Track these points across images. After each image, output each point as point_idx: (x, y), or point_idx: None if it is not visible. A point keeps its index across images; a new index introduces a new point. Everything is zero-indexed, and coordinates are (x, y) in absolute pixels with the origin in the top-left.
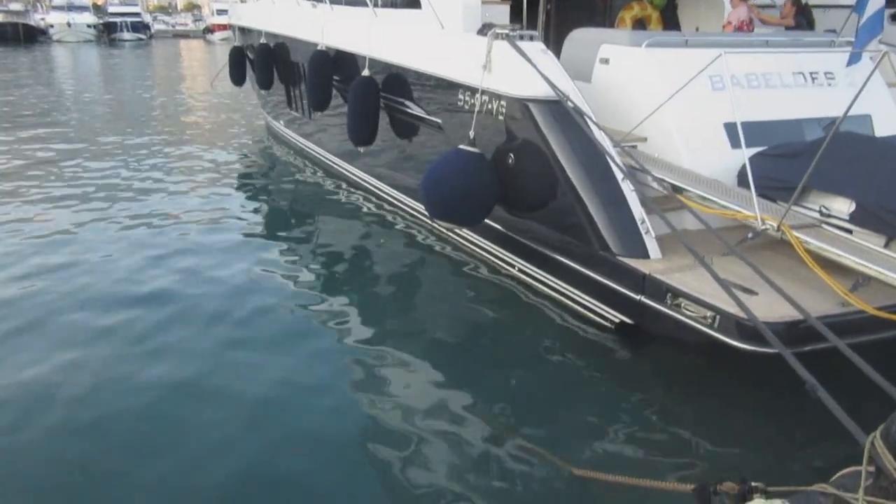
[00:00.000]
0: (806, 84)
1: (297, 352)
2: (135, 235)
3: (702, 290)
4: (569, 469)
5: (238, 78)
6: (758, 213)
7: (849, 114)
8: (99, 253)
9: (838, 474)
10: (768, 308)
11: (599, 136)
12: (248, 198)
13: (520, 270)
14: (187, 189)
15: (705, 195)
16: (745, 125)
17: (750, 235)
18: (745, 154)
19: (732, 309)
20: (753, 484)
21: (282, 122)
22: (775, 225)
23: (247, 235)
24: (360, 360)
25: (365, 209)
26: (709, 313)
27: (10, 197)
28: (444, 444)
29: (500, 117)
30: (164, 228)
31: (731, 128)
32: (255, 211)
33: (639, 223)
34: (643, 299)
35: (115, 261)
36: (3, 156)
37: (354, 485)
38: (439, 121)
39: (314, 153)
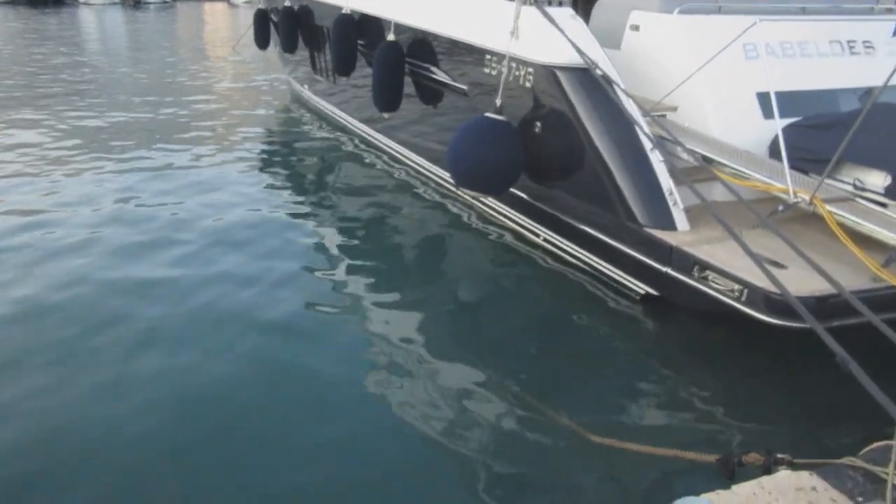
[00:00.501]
0: (843, 53)
1: (318, 318)
2: (154, 198)
3: (729, 262)
4: (588, 437)
5: (262, 41)
6: (790, 185)
7: (888, 85)
8: (116, 219)
9: (868, 448)
10: (798, 282)
11: (628, 104)
12: (271, 162)
13: (545, 240)
14: (209, 153)
15: (736, 166)
16: (779, 95)
17: (780, 208)
18: (777, 125)
19: (761, 282)
20: (779, 455)
21: (306, 86)
22: (807, 198)
23: (269, 199)
24: (380, 326)
25: (388, 175)
26: (736, 286)
27: (39, 160)
28: (464, 411)
29: (528, 84)
30: (183, 193)
31: (763, 98)
32: (278, 175)
33: (666, 194)
34: (669, 271)
35: (134, 227)
36: (31, 121)
37: (372, 449)
38: (465, 87)
39: (338, 118)
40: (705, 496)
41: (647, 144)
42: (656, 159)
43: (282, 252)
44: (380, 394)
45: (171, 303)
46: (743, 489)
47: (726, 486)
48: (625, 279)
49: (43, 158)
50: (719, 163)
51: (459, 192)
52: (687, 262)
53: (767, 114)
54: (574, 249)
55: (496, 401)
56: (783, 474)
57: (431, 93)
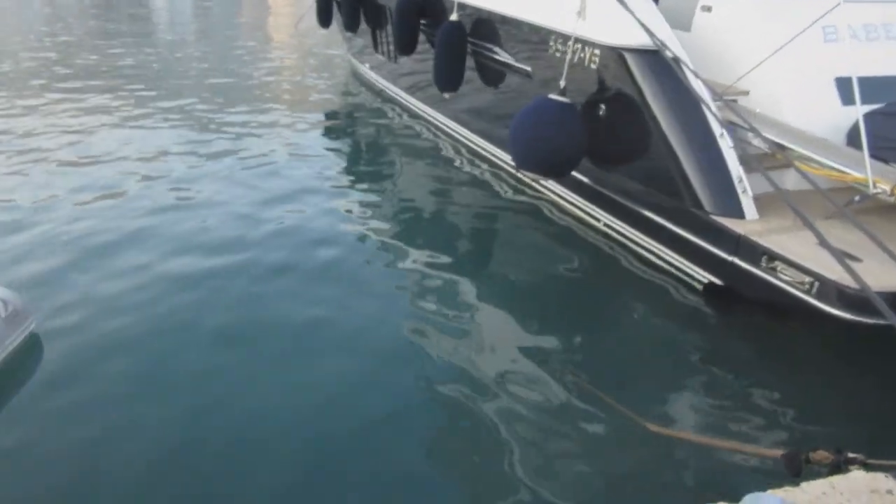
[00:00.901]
0: None
1: (372, 294)
2: (217, 174)
3: (800, 253)
4: (644, 425)
5: (324, 20)
6: (869, 175)
7: None
8: (179, 192)
9: None
10: (874, 276)
11: (698, 88)
12: (330, 140)
13: (605, 225)
14: (269, 130)
15: (811, 154)
16: (861, 80)
17: (857, 199)
18: (859, 111)
19: (834, 275)
20: (851, 455)
21: (367, 65)
22: (888, 189)
23: (326, 177)
24: (435, 308)
25: (447, 156)
26: (807, 279)
27: (107, 130)
28: (517, 394)
29: (593, 66)
30: (245, 168)
31: (843, 83)
32: (336, 153)
33: (735, 181)
34: (736, 261)
35: (196, 201)
36: (99, 94)
37: (423, 432)
38: (528, 68)
39: (398, 97)
40: (772, 492)
41: (717, 129)
42: (726, 145)
43: (331, 230)
44: (431, 373)
45: (226, 277)
46: (813, 487)
47: (792, 484)
48: (687, 267)
49: (111, 133)
50: (793, 150)
51: (519, 175)
52: (755, 252)
53: (846, 100)
54: (635, 235)
55: (549, 385)
56: (857, 475)
57: (494, 74)
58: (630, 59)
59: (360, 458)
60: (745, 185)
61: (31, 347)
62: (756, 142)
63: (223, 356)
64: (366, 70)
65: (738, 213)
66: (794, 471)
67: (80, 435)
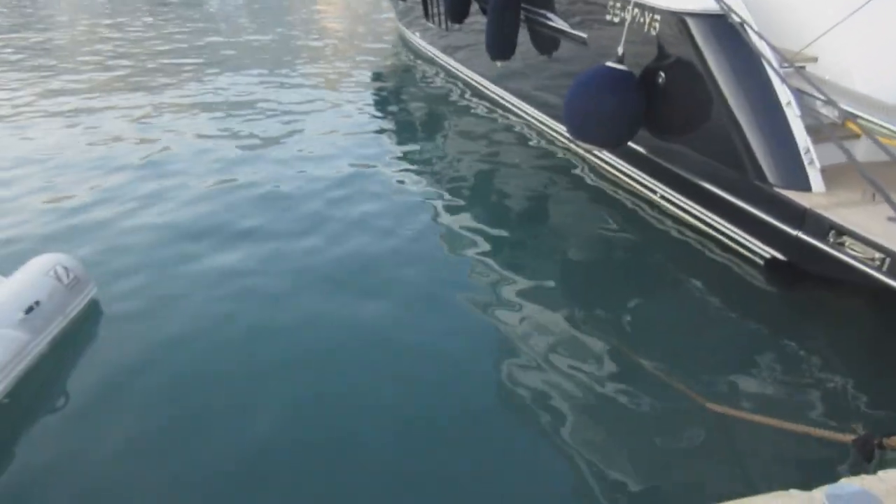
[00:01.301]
0: None
1: (421, 266)
2: (266, 142)
3: (870, 228)
4: (704, 404)
5: None
6: None
7: None
8: (217, 153)
9: None
10: None
11: (765, 54)
12: (379, 108)
13: (661, 197)
14: (318, 98)
15: (884, 124)
16: None
17: None
18: None
19: None
20: None
21: (417, 33)
22: None
23: (375, 146)
24: (486, 280)
25: (499, 125)
26: (877, 255)
27: (159, 100)
28: (569, 370)
29: (653, 32)
30: (292, 135)
31: None
32: (386, 121)
33: (802, 152)
34: (801, 235)
35: (244, 167)
36: (163, 64)
37: (478, 406)
38: (584, 35)
39: (449, 66)
40: (845, 480)
41: (784, 98)
42: (793, 114)
43: (380, 200)
44: (481, 346)
45: (280, 251)
46: (891, 476)
47: (867, 472)
48: (749, 242)
49: (168, 107)
50: (865, 119)
51: (573, 145)
52: (821, 227)
53: None
54: (693, 208)
55: (603, 360)
56: None
57: (548, 41)
58: (693, 24)
59: (410, 427)
60: (812, 157)
61: (92, 314)
62: (825, 111)
63: (289, 330)
64: (416, 39)
65: (805, 186)
66: (867, 456)
67: (142, 402)
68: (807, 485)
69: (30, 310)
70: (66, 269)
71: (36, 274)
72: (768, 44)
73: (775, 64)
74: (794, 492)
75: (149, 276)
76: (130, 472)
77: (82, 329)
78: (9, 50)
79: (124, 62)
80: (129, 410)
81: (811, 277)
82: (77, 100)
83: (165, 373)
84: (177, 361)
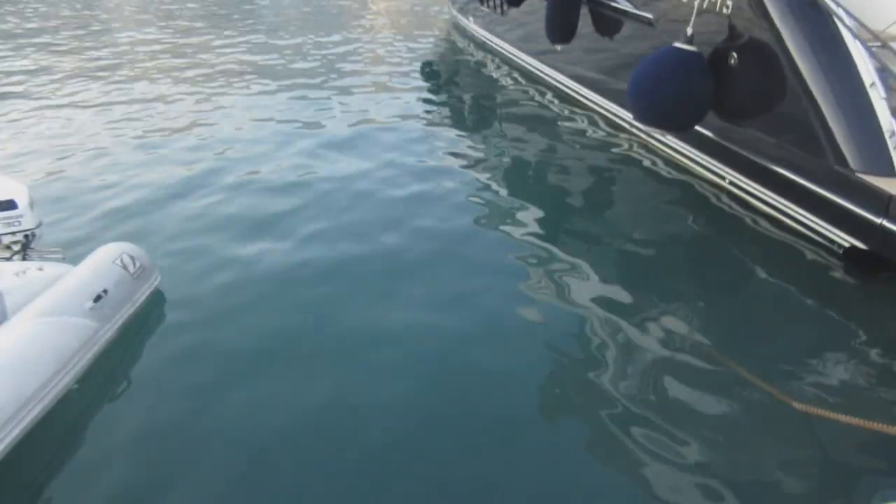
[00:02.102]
0: None
1: (474, 247)
2: (316, 122)
3: None
4: (790, 403)
5: None
6: None
7: None
8: (274, 143)
9: None
10: None
11: (847, 31)
12: (432, 93)
13: (731, 183)
14: (370, 84)
15: None
16: None
17: None
18: None
19: None
20: None
21: (470, 18)
22: None
23: (428, 129)
24: (548, 271)
25: (558, 111)
26: None
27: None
28: (641, 365)
29: (725, 10)
30: (344, 116)
31: None
32: (440, 106)
33: (887, 136)
34: (885, 223)
35: (310, 159)
36: (197, 46)
37: (538, 399)
38: (650, 16)
39: (504, 51)
40: None
41: (868, 78)
42: (877, 95)
43: (432, 184)
44: (544, 337)
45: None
46: None
47: None
48: (826, 230)
49: (224, 99)
50: None
51: (637, 131)
52: None
53: None
54: (766, 195)
55: (677, 355)
56: None
57: (611, 22)
58: (769, 1)
59: (473, 417)
60: None
61: (157, 303)
62: None
63: (346, 319)
64: (469, 24)
65: (889, 171)
66: None
67: (207, 390)
68: None
69: (98, 298)
70: (132, 258)
71: (103, 263)
72: (852, 20)
73: (859, 42)
74: None
75: (211, 264)
76: (196, 456)
77: (148, 317)
78: (62, 41)
79: (179, 61)
80: (193, 397)
81: (893, 267)
82: (136, 93)
83: (229, 360)
84: (239, 348)
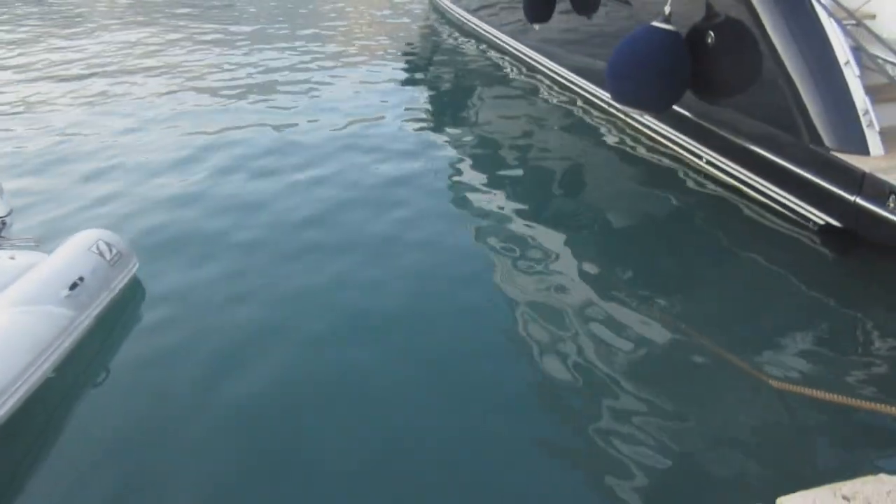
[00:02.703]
0: None
1: (457, 233)
2: (293, 109)
3: None
4: (766, 381)
5: None
6: None
7: None
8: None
9: None
10: None
11: (822, 10)
12: (410, 75)
13: (708, 162)
14: (349, 64)
15: None
16: None
17: None
18: None
19: None
20: None
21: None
22: None
23: (408, 113)
24: (528, 254)
25: (536, 92)
26: None
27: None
28: (620, 346)
29: None
30: (321, 102)
31: None
32: (418, 88)
33: (861, 114)
34: (859, 200)
35: (267, 137)
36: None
37: (516, 389)
38: None
39: (482, 31)
40: None
41: (842, 57)
42: (851, 74)
43: (413, 167)
44: (526, 322)
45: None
46: None
47: None
48: (802, 208)
49: (202, 76)
50: None
51: (615, 110)
52: (881, 191)
53: None
54: (742, 173)
55: (655, 335)
56: None
57: (589, 2)
58: None
59: (447, 410)
60: (871, 118)
61: (135, 290)
62: (889, 69)
63: (321, 305)
64: (447, 4)
65: (863, 149)
66: None
67: (187, 378)
68: (880, 464)
69: (74, 286)
70: (108, 244)
71: (79, 250)
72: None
73: (834, 21)
74: (883, 476)
75: (191, 250)
76: (172, 447)
77: (126, 304)
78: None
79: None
80: (173, 385)
81: (867, 244)
82: (112, 80)
83: (207, 348)
84: (219, 335)
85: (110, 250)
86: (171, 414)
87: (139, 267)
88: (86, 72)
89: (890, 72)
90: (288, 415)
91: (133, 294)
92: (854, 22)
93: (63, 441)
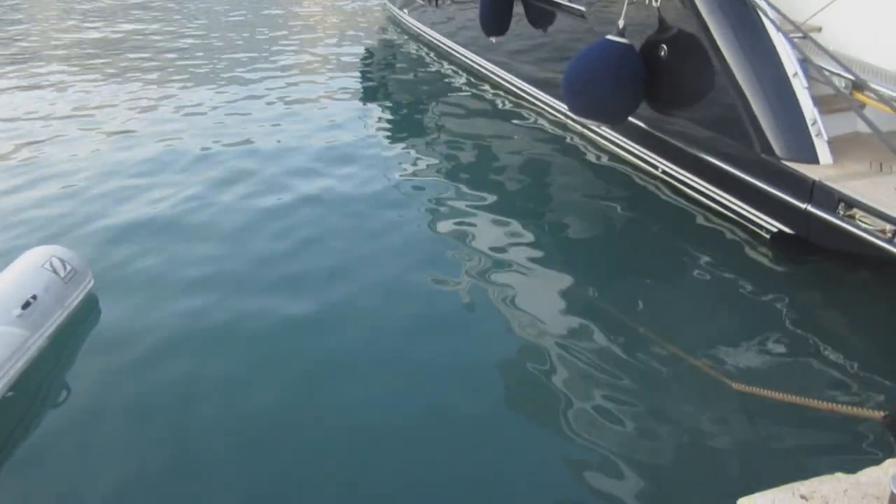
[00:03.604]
0: None
1: (420, 246)
2: (249, 123)
3: (881, 200)
4: (726, 383)
5: None
6: None
7: None
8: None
9: None
10: None
11: (771, 24)
12: (368, 89)
13: (663, 172)
14: (305, 79)
15: (890, 92)
16: None
17: None
18: None
19: None
20: None
21: (405, 10)
22: None
23: (366, 128)
24: (487, 263)
25: (494, 104)
26: (888, 226)
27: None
28: (580, 352)
29: (655, 3)
30: (278, 119)
31: None
32: (375, 102)
33: (809, 124)
34: (809, 208)
35: (236, 158)
36: (133, 55)
37: (484, 398)
38: (583, 8)
39: (439, 43)
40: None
41: (791, 69)
42: (799, 85)
43: (373, 182)
44: (485, 330)
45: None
46: None
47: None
48: (755, 216)
49: (153, 89)
50: (870, 89)
51: (572, 122)
52: (830, 199)
53: None
54: (697, 183)
55: (619, 343)
56: None
57: (544, 14)
58: None
59: (417, 408)
60: (819, 128)
61: (91, 307)
62: (833, 81)
63: (282, 315)
64: (404, 16)
65: (812, 158)
66: None
67: (142, 396)
68: (836, 463)
69: (27, 305)
70: (62, 261)
71: (31, 268)
72: (775, 12)
73: (781, 34)
74: (839, 475)
75: (147, 265)
76: (132, 465)
77: (82, 322)
78: None
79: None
80: (130, 402)
81: (818, 250)
82: (64, 92)
83: (166, 364)
84: (177, 353)
85: (64, 267)
86: (129, 433)
87: (94, 283)
88: (33, 74)
89: (836, 83)
90: (245, 430)
91: (88, 311)
92: (801, 35)
93: (18, 462)
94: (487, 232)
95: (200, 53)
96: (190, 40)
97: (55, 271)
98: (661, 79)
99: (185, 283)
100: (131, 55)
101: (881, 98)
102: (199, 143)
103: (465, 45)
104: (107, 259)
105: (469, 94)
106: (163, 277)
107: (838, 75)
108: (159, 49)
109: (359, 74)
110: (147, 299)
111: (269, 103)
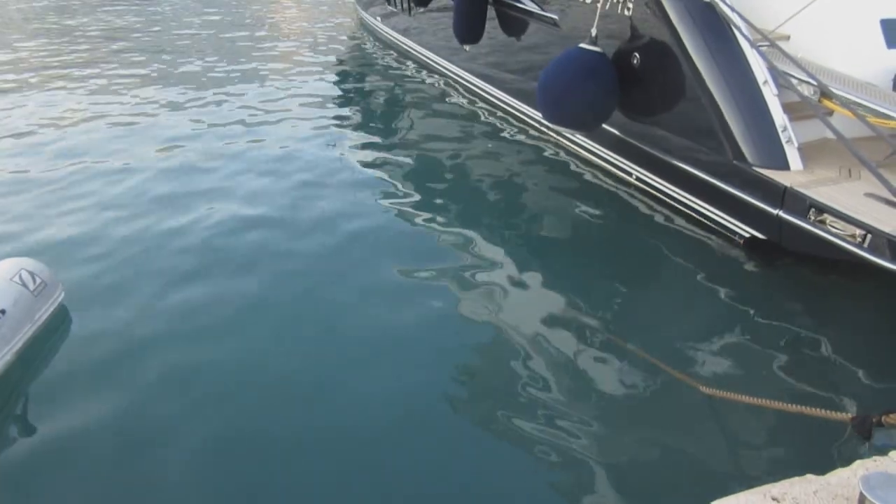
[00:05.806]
0: None
1: (395, 255)
2: (220, 134)
3: (850, 205)
4: (697, 387)
5: None
6: None
7: None
8: (189, 150)
9: None
10: None
11: (741, 32)
12: (341, 98)
13: (637, 179)
14: (275, 87)
15: (857, 100)
16: None
17: None
18: None
19: (887, 227)
20: None
21: (378, 17)
22: None
23: (338, 137)
24: (459, 268)
25: (468, 112)
26: (858, 231)
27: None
28: (553, 358)
29: (627, 12)
30: (251, 128)
31: (889, 25)
32: (348, 111)
33: (779, 130)
34: (781, 214)
35: (208, 166)
36: (106, 58)
37: (459, 399)
38: (555, 17)
39: (413, 51)
40: (872, 461)
41: (761, 76)
42: (769, 92)
43: (356, 191)
44: (459, 336)
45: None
46: None
47: (880, 453)
48: (728, 222)
49: (119, 97)
50: (838, 96)
51: (547, 130)
52: (802, 205)
53: (892, 42)
54: (670, 189)
55: (593, 348)
56: None
57: (518, 23)
58: (667, 4)
59: (386, 418)
60: (790, 135)
61: (61, 320)
62: (799, 88)
63: (256, 322)
64: (377, 23)
65: (783, 165)
66: (866, 434)
67: (114, 410)
68: (806, 465)
69: None
70: (31, 273)
71: None
72: (744, 21)
73: (749, 42)
74: (810, 476)
75: (119, 277)
76: (103, 481)
77: (52, 336)
78: None
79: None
80: (102, 418)
81: (789, 254)
82: (20, 92)
83: (138, 378)
84: (148, 367)
85: (34, 280)
86: (101, 448)
87: (65, 296)
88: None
89: (805, 91)
90: (219, 442)
91: (59, 325)
92: (769, 43)
93: None
94: (459, 241)
95: (166, 56)
96: (154, 44)
97: (24, 284)
98: (634, 86)
99: (158, 295)
100: (91, 51)
101: (846, 105)
102: (167, 154)
103: (438, 53)
104: (77, 271)
105: (442, 102)
106: (135, 290)
107: (806, 83)
108: (113, 49)
109: (324, 84)
110: (119, 312)
111: (231, 111)
